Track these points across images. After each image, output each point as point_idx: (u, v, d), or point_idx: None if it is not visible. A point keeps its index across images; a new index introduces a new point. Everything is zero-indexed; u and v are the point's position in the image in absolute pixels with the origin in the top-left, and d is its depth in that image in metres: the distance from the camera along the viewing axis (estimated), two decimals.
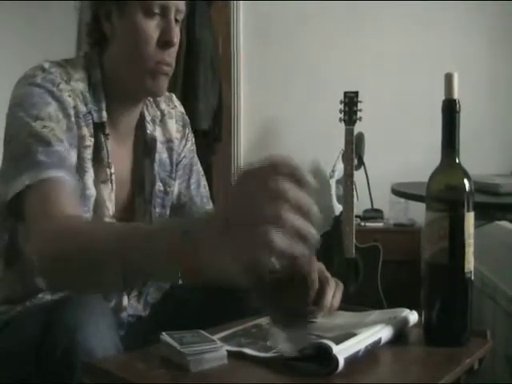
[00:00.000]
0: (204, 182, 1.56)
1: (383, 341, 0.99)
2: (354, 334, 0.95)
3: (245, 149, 3.94)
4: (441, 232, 1.01)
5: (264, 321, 1.12)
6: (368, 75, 3.66)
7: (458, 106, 1.04)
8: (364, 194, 3.53)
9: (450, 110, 1.04)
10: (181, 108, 1.52)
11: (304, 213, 0.75)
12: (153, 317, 1.43)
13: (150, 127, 1.40)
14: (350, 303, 1.18)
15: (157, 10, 1.25)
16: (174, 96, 1.51)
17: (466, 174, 1.04)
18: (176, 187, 1.47)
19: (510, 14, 3.60)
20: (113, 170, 1.29)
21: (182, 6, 1.29)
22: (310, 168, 3.79)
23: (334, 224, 3.11)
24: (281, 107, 3.85)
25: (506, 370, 2.21)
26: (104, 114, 1.27)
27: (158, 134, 1.42)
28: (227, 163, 3.94)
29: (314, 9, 3.74)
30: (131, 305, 1.38)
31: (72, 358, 0.95)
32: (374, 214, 3.53)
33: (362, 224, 3.42)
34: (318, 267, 1.12)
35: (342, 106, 3.11)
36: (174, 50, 1.29)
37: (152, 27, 1.25)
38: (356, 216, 3.24)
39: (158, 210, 1.41)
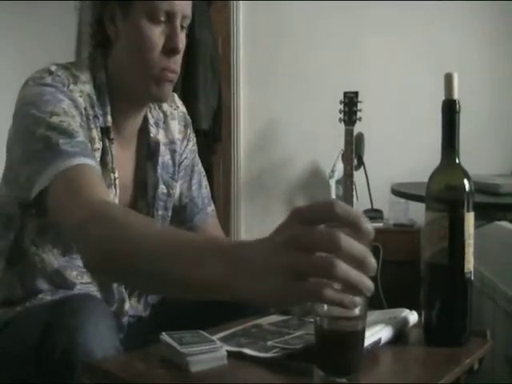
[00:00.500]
0: (205, 182, 1.55)
1: (383, 341, 0.98)
2: None
3: (245, 149, 3.95)
4: (441, 232, 1.01)
5: (264, 321, 1.12)
6: (368, 75, 3.66)
7: (457, 106, 1.04)
8: (364, 194, 3.54)
9: (450, 110, 1.04)
10: (183, 108, 1.51)
11: (358, 263, 0.69)
12: (153, 317, 1.43)
13: (153, 130, 1.39)
14: None
15: (163, 18, 1.23)
16: (176, 96, 1.51)
17: (465, 174, 1.04)
18: (178, 188, 1.47)
19: (511, 14, 3.61)
20: (117, 175, 1.29)
21: (189, 12, 1.28)
22: (310, 168, 3.80)
23: None
24: (280, 107, 3.85)
25: (506, 370, 2.21)
26: (109, 118, 1.27)
27: (161, 136, 1.42)
28: (227, 163, 3.95)
29: (313, 9, 3.74)
30: (132, 305, 1.38)
31: (72, 358, 0.95)
32: (373, 214, 3.53)
33: None
34: None
35: (341, 106, 3.11)
36: (179, 57, 1.28)
37: (157, 34, 1.24)
38: None
39: (160, 212, 1.41)
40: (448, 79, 1.04)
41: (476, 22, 3.66)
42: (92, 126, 1.23)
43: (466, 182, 1.03)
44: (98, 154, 1.24)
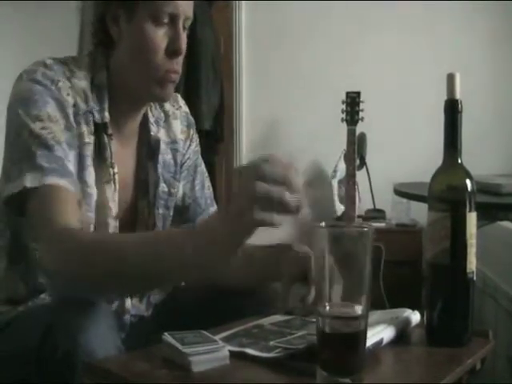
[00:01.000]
0: (208, 183, 1.55)
1: (385, 341, 0.98)
2: None
3: (247, 149, 3.95)
4: (443, 232, 1.01)
5: (266, 321, 1.12)
6: (370, 75, 3.66)
7: (460, 106, 1.04)
8: (366, 194, 3.54)
9: (452, 110, 1.04)
10: (185, 108, 1.51)
11: (283, 183, 0.93)
12: (155, 317, 1.43)
13: (153, 129, 1.39)
14: None
15: (166, 19, 1.24)
16: (179, 96, 1.51)
17: (468, 174, 1.04)
18: (180, 189, 1.47)
19: (511, 14, 3.61)
20: (116, 170, 1.29)
21: (191, 13, 1.28)
22: (312, 168, 3.79)
23: None
24: (282, 107, 3.85)
25: (508, 370, 2.21)
26: (106, 114, 1.27)
27: (162, 134, 1.42)
28: (229, 163, 3.95)
29: (315, 9, 3.74)
30: (134, 305, 1.38)
31: (73, 358, 0.95)
32: (376, 214, 3.53)
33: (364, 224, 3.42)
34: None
35: (343, 106, 3.11)
36: (181, 58, 1.29)
37: (160, 36, 1.24)
38: (358, 216, 3.24)
39: (161, 211, 1.41)
40: (450, 79, 1.04)
41: (478, 21, 3.66)
42: (82, 121, 1.23)
43: (468, 182, 1.03)
44: (88, 148, 1.24)
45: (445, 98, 1.05)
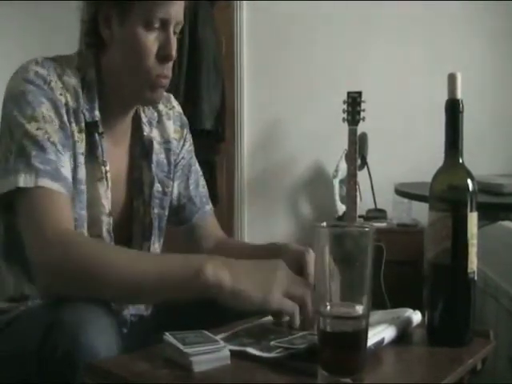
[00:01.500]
0: (203, 181, 1.56)
1: (386, 341, 0.98)
2: None
3: (248, 149, 3.95)
4: (444, 232, 1.01)
5: (267, 321, 1.12)
6: (371, 75, 3.66)
7: (461, 105, 1.04)
8: (367, 194, 3.54)
9: (454, 110, 1.04)
10: (179, 108, 1.52)
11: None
12: (155, 316, 1.43)
13: (146, 129, 1.40)
14: None
15: (157, 24, 1.24)
16: (172, 96, 1.51)
17: (469, 174, 1.04)
18: (175, 188, 1.48)
19: (511, 14, 3.61)
20: (108, 168, 1.29)
21: (182, 18, 1.28)
22: (313, 168, 3.80)
23: None
24: (284, 107, 3.86)
25: (509, 370, 2.21)
26: (96, 113, 1.27)
27: (156, 134, 1.42)
28: (231, 163, 3.95)
29: (316, 8, 3.74)
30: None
31: (74, 358, 0.95)
32: (377, 214, 3.53)
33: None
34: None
35: (345, 106, 3.11)
36: (171, 63, 1.29)
37: (151, 40, 1.24)
38: (359, 216, 3.24)
39: (156, 210, 1.41)
40: (451, 79, 1.04)
41: (478, 22, 3.66)
42: (72, 119, 1.24)
43: (469, 181, 1.03)
44: (80, 146, 1.25)
45: (446, 97, 1.05)
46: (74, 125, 1.24)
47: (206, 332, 0.97)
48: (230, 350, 0.93)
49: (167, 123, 1.46)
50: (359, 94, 3.12)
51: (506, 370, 2.24)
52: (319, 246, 0.84)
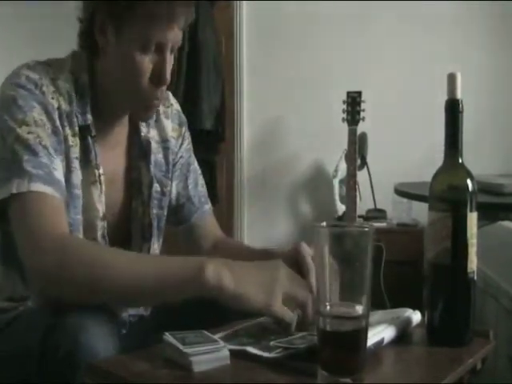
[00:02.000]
0: (202, 180, 1.55)
1: (386, 341, 0.98)
2: None
3: (248, 148, 3.95)
4: (444, 232, 1.01)
5: (267, 321, 1.12)
6: (371, 75, 3.66)
7: (461, 105, 1.04)
8: (367, 193, 3.54)
9: (453, 110, 1.04)
10: (177, 106, 1.50)
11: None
12: (155, 316, 1.43)
13: (143, 130, 1.39)
14: None
15: (153, 47, 1.22)
16: (170, 94, 1.50)
17: (469, 174, 1.04)
18: (174, 188, 1.47)
19: (511, 14, 3.61)
20: (101, 171, 1.28)
21: (179, 40, 1.26)
22: (313, 168, 3.80)
23: None
24: (283, 107, 3.85)
25: (509, 369, 2.21)
26: (89, 116, 1.26)
27: (154, 134, 1.41)
28: (230, 163, 3.95)
29: (316, 9, 3.74)
30: None
31: (74, 358, 0.95)
32: (376, 213, 3.53)
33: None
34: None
35: (344, 106, 3.11)
36: (165, 86, 1.28)
37: (146, 62, 1.22)
38: (359, 216, 3.24)
39: (155, 211, 1.41)
40: (451, 79, 1.04)
41: (478, 21, 3.66)
42: (66, 123, 1.23)
43: (469, 181, 1.03)
44: (74, 150, 1.24)
45: (445, 97, 1.05)
46: (67, 129, 1.23)
47: (206, 332, 0.97)
48: (230, 350, 0.93)
49: (165, 122, 1.44)
50: (359, 93, 3.12)
51: (505, 370, 2.24)
52: (319, 246, 0.84)
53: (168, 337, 0.93)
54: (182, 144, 1.48)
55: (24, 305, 1.23)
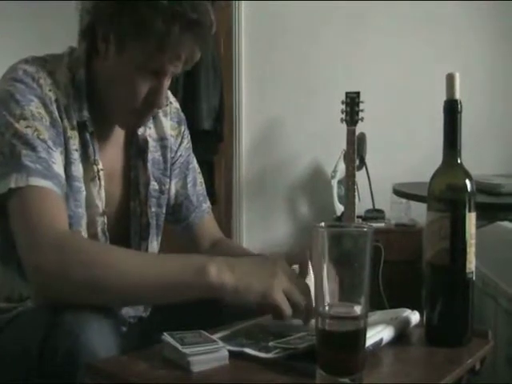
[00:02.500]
0: (200, 179, 1.55)
1: (385, 341, 0.98)
2: None
3: (246, 149, 3.95)
4: (442, 232, 1.01)
5: (266, 321, 1.12)
6: (370, 75, 3.66)
7: (459, 106, 1.04)
8: (365, 194, 3.54)
9: (452, 111, 1.04)
10: (176, 104, 1.50)
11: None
12: (154, 317, 1.43)
13: (141, 128, 1.38)
14: None
15: (151, 72, 1.21)
16: (169, 92, 1.50)
17: (467, 175, 1.04)
18: (173, 187, 1.47)
19: (511, 14, 3.61)
20: (100, 167, 1.28)
21: (179, 70, 1.25)
22: (312, 168, 3.80)
23: None
24: (282, 107, 3.85)
25: (508, 370, 2.21)
26: (85, 113, 1.25)
27: (151, 132, 1.41)
28: (229, 163, 3.95)
29: (315, 9, 3.74)
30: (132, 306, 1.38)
31: (75, 358, 0.95)
32: (375, 214, 3.53)
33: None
34: None
35: (343, 107, 3.11)
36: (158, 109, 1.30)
37: (143, 84, 1.21)
38: (357, 216, 3.24)
39: (153, 209, 1.41)
40: (450, 79, 1.04)
41: (478, 21, 3.66)
42: (64, 116, 1.22)
43: (467, 182, 1.03)
44: (73, 142, 1.23)
45: (444, 98, 1.05)
46: (66, 121, 1.22)
47: (205, 332, 0.97)
48: (229, 351, 0.93)
49: (163, 120, 1.44)
50: (357, 94, 3.12)
51: (504, 370, 2.24)
52: (317, 247, 0.84)
53: (167, 337, 0.93)
54: (181, 143, 1.48)
55: (24, 304, 1.23)
